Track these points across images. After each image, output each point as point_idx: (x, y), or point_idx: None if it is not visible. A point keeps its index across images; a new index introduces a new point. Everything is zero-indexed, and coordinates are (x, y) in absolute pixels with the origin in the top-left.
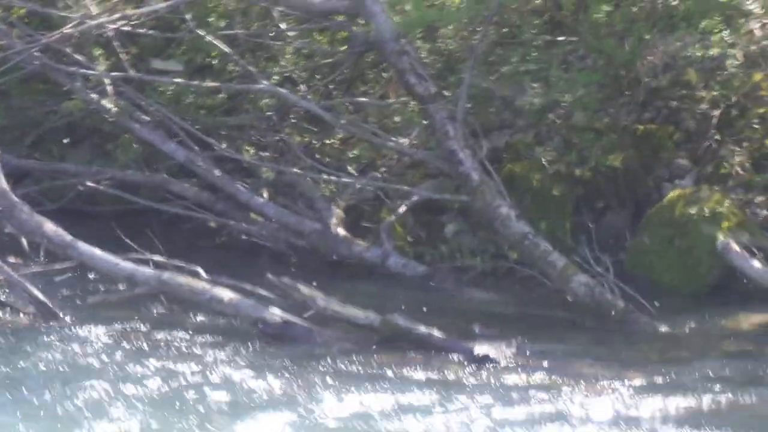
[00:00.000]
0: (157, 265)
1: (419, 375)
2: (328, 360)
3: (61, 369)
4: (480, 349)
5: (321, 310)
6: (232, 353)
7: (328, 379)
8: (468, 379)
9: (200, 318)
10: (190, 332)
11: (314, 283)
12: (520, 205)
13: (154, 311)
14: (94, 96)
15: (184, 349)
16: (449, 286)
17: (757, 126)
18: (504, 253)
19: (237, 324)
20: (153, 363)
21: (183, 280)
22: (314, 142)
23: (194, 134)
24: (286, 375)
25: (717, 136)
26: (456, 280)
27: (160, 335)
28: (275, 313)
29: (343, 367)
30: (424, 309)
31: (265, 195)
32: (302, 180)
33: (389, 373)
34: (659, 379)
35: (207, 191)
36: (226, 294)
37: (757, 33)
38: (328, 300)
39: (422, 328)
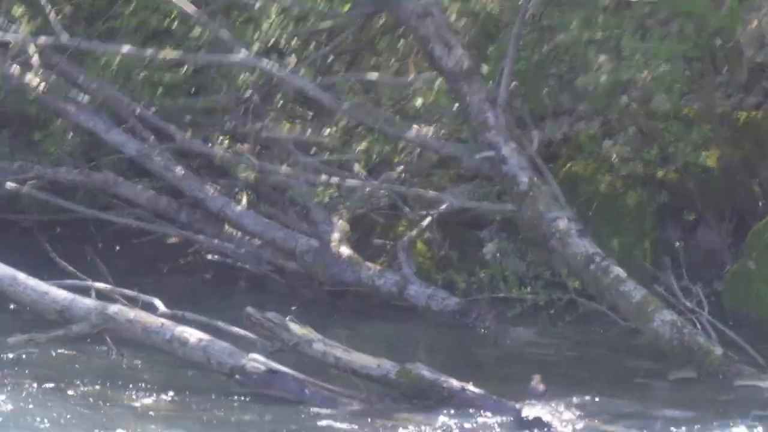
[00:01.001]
0: (101, 295)
1: None
2: (327, 424)
3: None
4: (530, 410)
5: (318, 356)
6: (198, 415)
7: None
8: None
9: (156, 366)
10: (143, 386)
11: (309, 320)
12: (583, 216)
13: (96, 357)
14: (14, 68)
15: (133, 410)
16: (489, 324)
17: None
18: (562, 281)
19: (206, 375)
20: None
21: (134, 315)
22: (309, 131)
23: (149, 120)
24: None
25: None
26: (498, 316)
27: (99, 392)
28: (257, 360)
29: None
30: (456, 355)
31: (244, 201)
32: (293, 182)
33: None
34: None
35: (166, 196)
36: (192, 334)
37: None
38: (327, 342)
39: (453, 381)
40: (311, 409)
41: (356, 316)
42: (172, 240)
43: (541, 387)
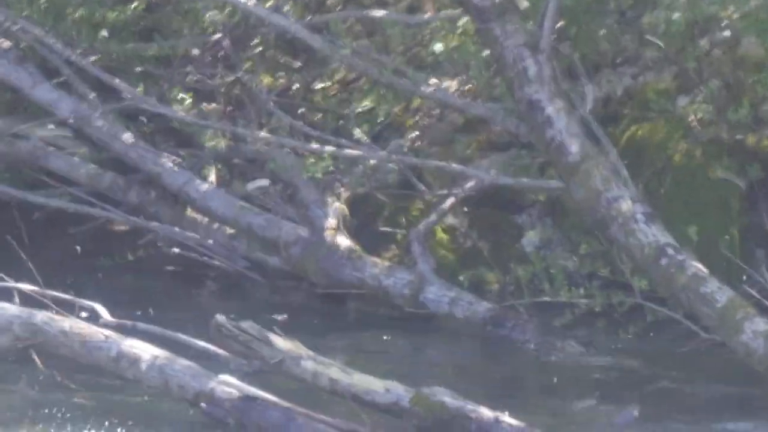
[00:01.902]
0: (27, 299)
1: None
2: None
3: None
4: None
5: (309, 377)
6: None
7: None
8: None
9: (99, 392)
10: (82, 418)
11: (297, 332)
12: (652, 196)
13: (19, 380)
14: None
15: None
16: (530, 336)
17: None
18: (624, 281)
19: (163, 402)
20: None
21: (70, 325)
22: (296, 86)
23: (88, 72)
24: None
25: None
26: (541, 326)
27: (26, 427)
28: (229, 384)
29: None
30: (488, 376)
31: (212, 178)
32: (275, 152)
33: None
34: None
35: (111, 171)
36: (145, 350)
37: None
38: (321, 360)
39: (484, 410)
40: None
41: (358, 326)
42: (120, 228)
43: (635, 413)
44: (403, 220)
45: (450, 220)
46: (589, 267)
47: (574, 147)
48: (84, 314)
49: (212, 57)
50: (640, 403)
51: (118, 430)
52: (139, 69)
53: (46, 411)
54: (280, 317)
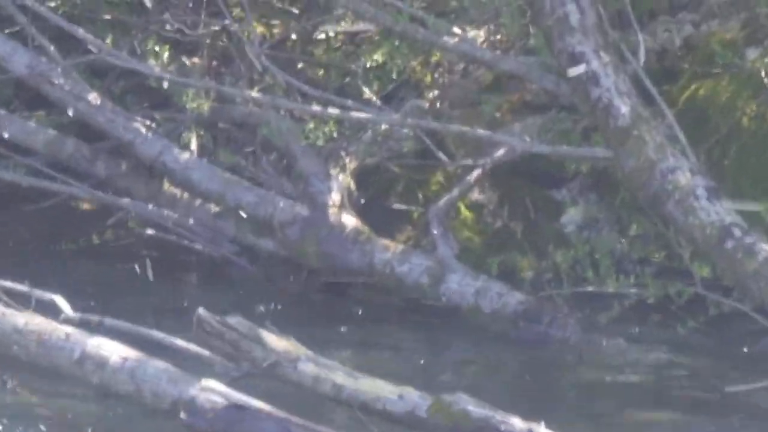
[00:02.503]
0: None
1: None
2: None
3: None
4: None
5: (308, 382)
6: None
7: None
8: None
9: (61, 400)
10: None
11: (294, 329)
12: (716, 167)
13: None
14: None
15: None
16: (571, 332)
17: None
18: (683, 268)
19: (137, 412)
20: None
21: (25, 321)
22: (293, 36)
23: (48, 20)
24: None
25: None
26: (584, 320)
27: None
28: (213, 390)
29: None
30: (520, 380)
31: (194, 146)
32: (268, 115)
33: None
34: None
35: (75, 138)
36: (113, 351)
37: None
38: (322, 363)
39: (516, 421)
40: None
41: (366, 322)
42: (84, 206)
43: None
44: (421, 195)
45: (476, 195)
46: (641, 251)
47: (623, 109)
48: (41, 309)
49: (194, 1)
50: (701, 412)
51: None
52: (107, 17)
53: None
54: (271, 310)
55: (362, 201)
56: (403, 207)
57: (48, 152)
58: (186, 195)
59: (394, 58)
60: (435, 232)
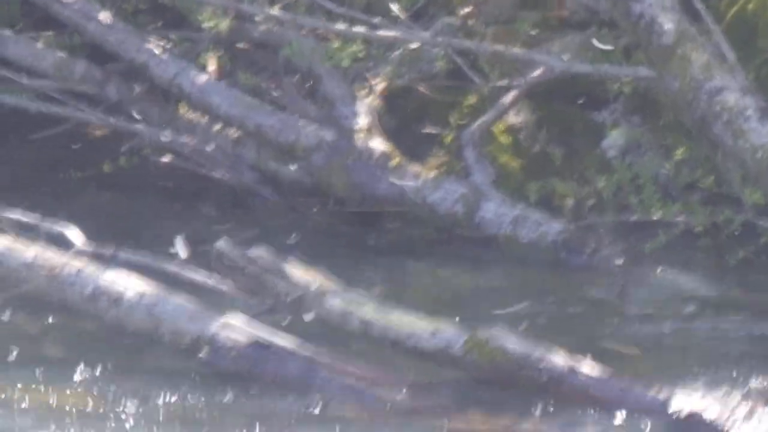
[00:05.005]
0: None
1: None
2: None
3: None
4: (683, 402)
5: (336, 318)
6: (145, 415)
7: None
8: None
9: (73, 337)
10: (52, 369)
11: (320, 261)
12: (766, 86)
13: None
14: None
15: (42, 406)
16: (614, 263)
17: None
18: (733, 193)
19: (154, 350)
20: None
21: (35, 253)
22: None
23: None
24: None
25: None
26: (628, 250)
27: None
28: (235, 327)
29: None
30: (561, 315)
31: (212, 67)
32: (291, 35)
33: None
34: None
35: (85, 59)
36: (129, 285)
37: None
38: (350, 297)
39: (557, 358)
40: (323, 405)
41: (396, 253)
42: (95, 132)
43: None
44: (453, 119)
45: (512, 118)
46: (688, 177)
47: (668, 25)
48: (52, 241)
49: None
50: (748, 349)
51: (94, 387)
52: None
53: (5, 361)
54: (295, 242)
55: (392, 125)
56: (434, 131)
57: (57, 75)
58: (204, 120)
59: None
60: (469, 157)
